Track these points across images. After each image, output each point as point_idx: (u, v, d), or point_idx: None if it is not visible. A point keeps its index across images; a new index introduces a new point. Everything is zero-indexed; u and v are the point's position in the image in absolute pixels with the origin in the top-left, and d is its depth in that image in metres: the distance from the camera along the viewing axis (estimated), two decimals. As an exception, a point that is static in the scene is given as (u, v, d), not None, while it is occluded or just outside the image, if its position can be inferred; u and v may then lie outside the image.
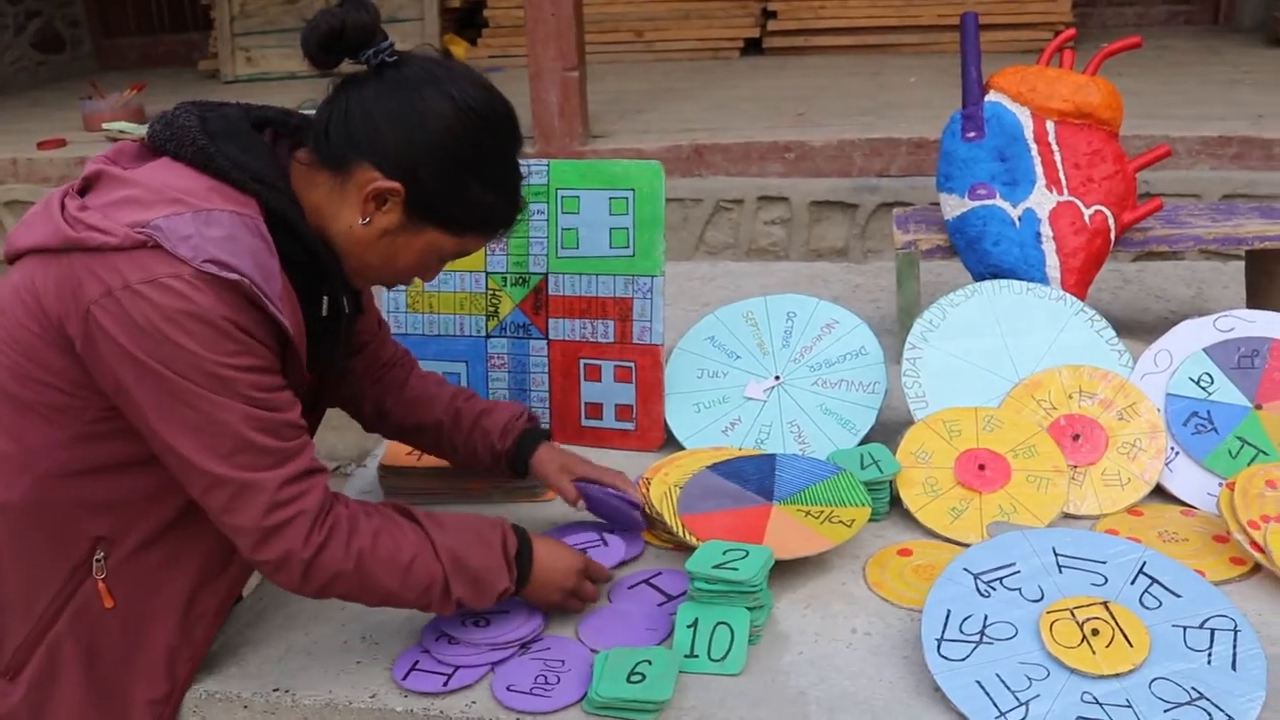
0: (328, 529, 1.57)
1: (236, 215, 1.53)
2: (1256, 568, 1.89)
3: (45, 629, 1.64)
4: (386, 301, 2.52)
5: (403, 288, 2.50)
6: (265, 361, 1.55)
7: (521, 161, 1.74)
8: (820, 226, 4.26)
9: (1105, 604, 1.69)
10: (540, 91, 4.39)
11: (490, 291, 2.46)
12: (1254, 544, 1.87)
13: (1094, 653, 1.62)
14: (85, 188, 1.58)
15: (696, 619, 1.75)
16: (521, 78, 4.44)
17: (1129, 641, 1.63)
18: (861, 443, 2.26)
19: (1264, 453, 2.09)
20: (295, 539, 1.54)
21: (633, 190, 2.37)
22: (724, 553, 1.79)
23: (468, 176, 1.61)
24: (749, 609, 1.75)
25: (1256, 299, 2.84)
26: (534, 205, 2.42)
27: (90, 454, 1.59)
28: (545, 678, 1.70)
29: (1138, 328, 2.86)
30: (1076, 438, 2.16)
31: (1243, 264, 2.93)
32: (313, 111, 1.66)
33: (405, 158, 1.58)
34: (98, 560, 1.63)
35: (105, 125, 5.33)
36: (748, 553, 1.79)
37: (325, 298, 1.72)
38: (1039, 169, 2.57)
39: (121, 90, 5.82)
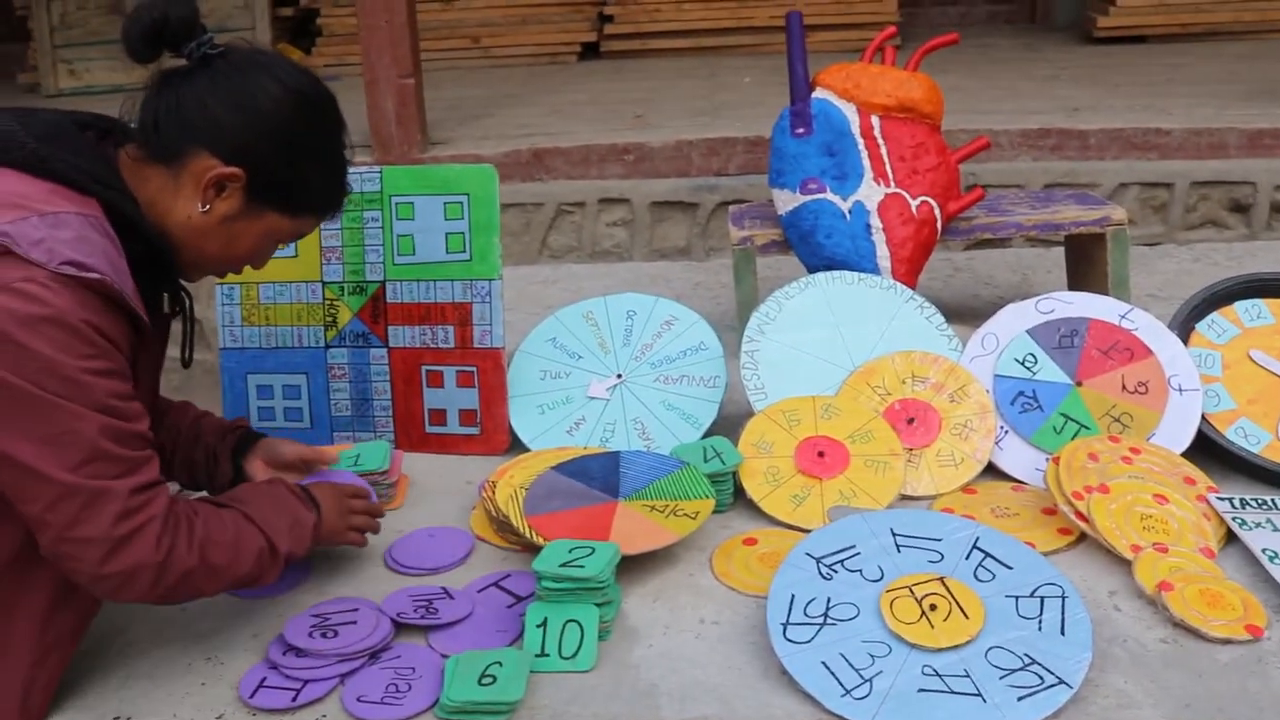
0: (172, 530, 1.54)
1: (82, 216, 1.51)
2: (1082, 536, 1.97)
3: None
4: (220, 315, 2.46)
5: (237, 300, 2.45)
6: (120, 367, 1.53)
7: (353, 169, 1.79)
8: (662, 226, 4.29)
9: (942, 580, 1.75)
10: (376, 99, 4.32)
11: (328, 301, 2.42)
12: (1078, 514, 1.95)
13: (933, 627, 1.67)
14: None
15: (546, 618, 1.75)
16: (357, 86, 4.37)
17: (965, 614, 1.69)
18: (704, 436, 2.29)
19: (1085, 427, 2.18)
20: (146, 547, 1.51)
21: (467, 195, 2.36)
22: (570, 551, 1.80)
23: (303, 158, 1.66)
24: (598, 605, 1.75)
25: (1076, 281, 2.97)
26: (368, 213, 2.39)
27: None
28: (396, 686, 1.68)
29: (968, 314, 2.95)
30: (911, 421, 2.22)
31: (1064, 249, 3.04)
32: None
33: (243, 142, 1.60)
34: None
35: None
36: (594, 549, 1.80)
37: (166, 295, 1.74)
38: (866, 162, 2.64)
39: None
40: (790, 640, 1.68)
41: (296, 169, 1.66)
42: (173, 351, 1.83)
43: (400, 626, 1.81)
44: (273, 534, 1.67)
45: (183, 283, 1.77)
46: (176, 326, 1.82)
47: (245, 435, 2.02)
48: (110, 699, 1.72)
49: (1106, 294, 2.72)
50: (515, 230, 4.34)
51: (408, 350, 2.41)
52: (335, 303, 2.42)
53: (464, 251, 2.37)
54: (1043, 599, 1.73)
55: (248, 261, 1.75)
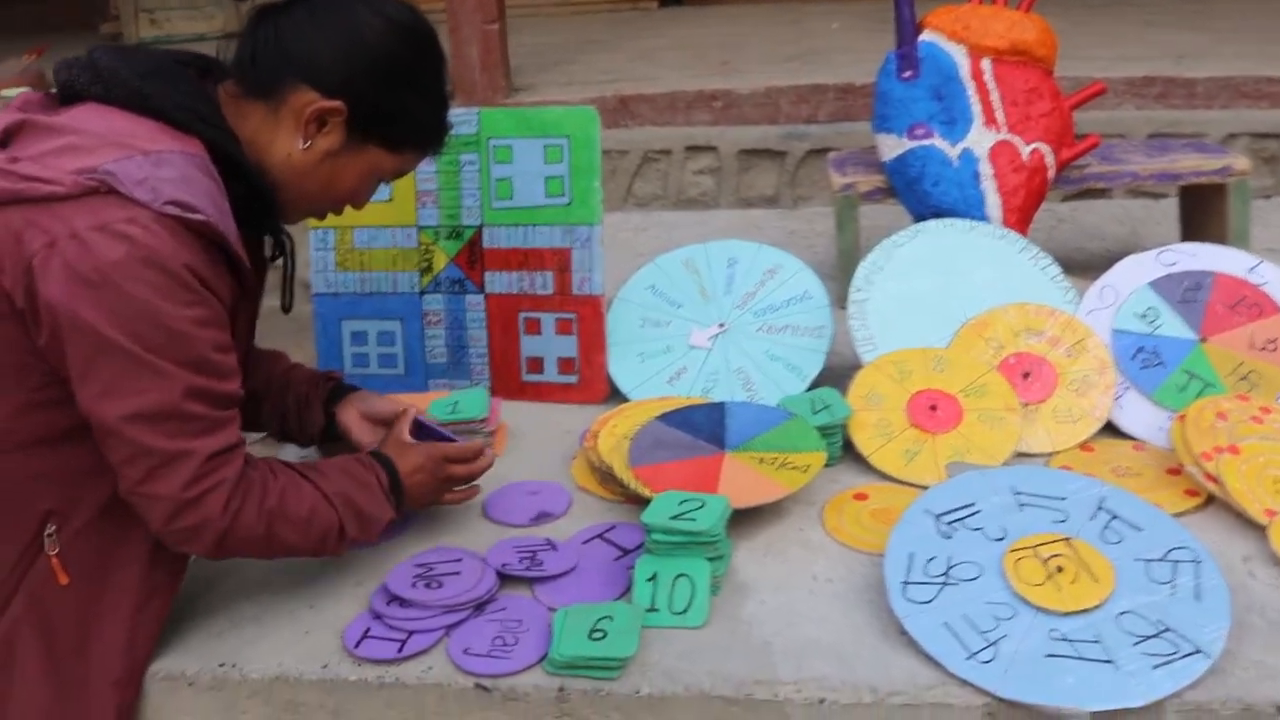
0: (242, 494, 1.52)
1: (186, 155, 1.48)
2: (1210, 499, 1.88)
3: None
4: (314, 260, 2.42)
5: (331, 245, 2.41)
6: (220, 316, 1.50)
7: (452, 109, 1.75)
8: (749, 175, 4.21)
9: (1068, 540, 1.67)
10: (460, 46, 4.27)
11: (423, 246, 2.38)
12: (1208, 475, 1.86)
13: (1059, 589, 1.60)
14: (3, 141, 1.48)
15: (656, 572, 1.70)
16: (441, 33, 4.33)
17: (1093, 577, 1.61)
18: (810, 388, 2.22)
19: (1211, 385, 2.09)
20: (214, 509, 1.49)
21: (567, 137, 2.30)
22: (680, 503, 1.75)
23: (405, 90, 1.61)
24: (709, 560, 1.70)
25: (1191, 234, 2.85)
26: (465, 156, 2.34)
27: (37, 424, 1.51)
28: (503, 639, 1.64)
29: (1075, 267, 2.83)
30: (1026, 375, 2.14)
31: (1173, 202, 2.93)
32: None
33: (344, 75, 1.56)
34: (49, 535, 1.55)
35: (2, 92, 5.09)
36: (704, 502, 1.75)
37: (268, 238, 1.70)
38: (976, 107, 2.54)
39: (17, 55, 5.57)
40: (910, 600, 1.62)
41: (398, 102, 1.62)
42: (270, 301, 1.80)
43: (505, 578, 1.77)
44: (346, 521, 1.64)
45: (283, 226, 1.74)
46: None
47: (339, 386, 1.98)
48: (215, 646, 1.70)
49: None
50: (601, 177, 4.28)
51: (505, 297, 2.36)
52: (431, 248, 2.37)
53: (563, 196, 2.31)
54: (1175, 563, 1.65)
55: (349, 200, 1.71)
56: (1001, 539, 1.70)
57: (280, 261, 1.76)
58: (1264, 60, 4.11)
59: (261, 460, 1.60)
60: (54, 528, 1.55)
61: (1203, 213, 2.76)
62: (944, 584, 1.64)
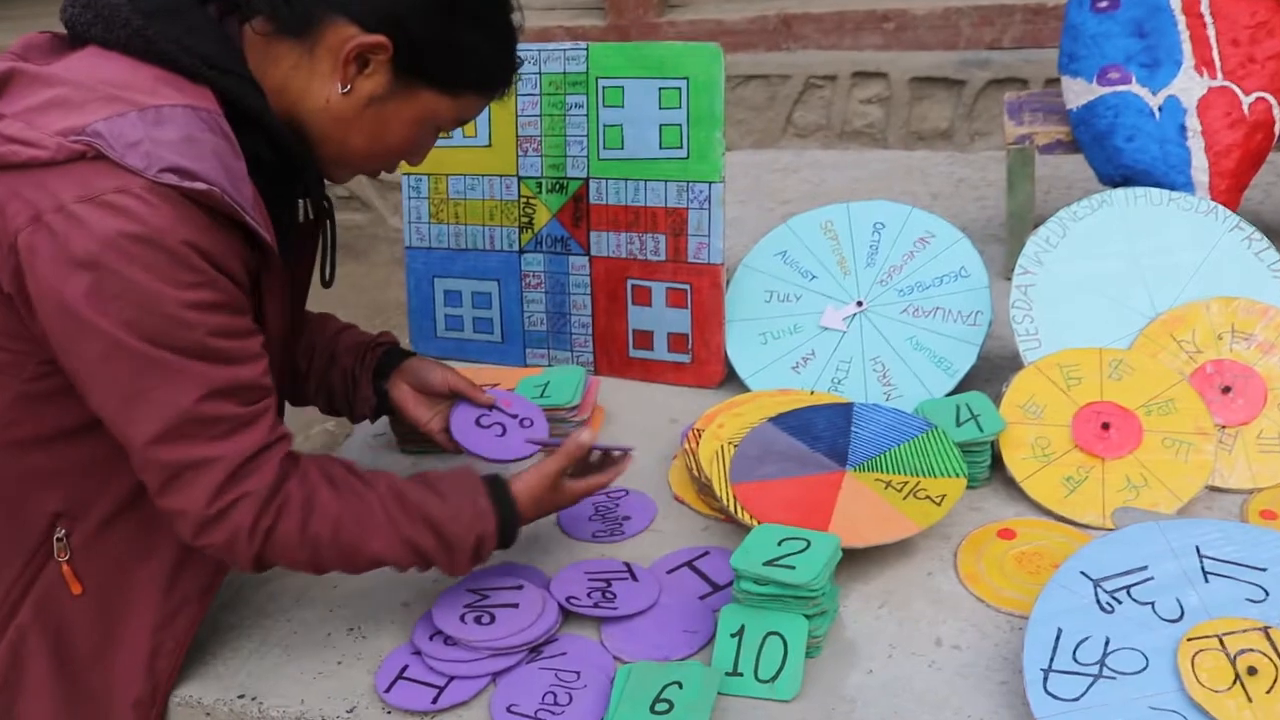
0: (275, 511, 1.30)
1: (191, 110, 1.26)
2: None
3: (4, 622, 1.40)
4: (407, 211, 2.18)
5: (424, 194, 2.16)
6: (232, 298, 1.28)
7: (555, 44, 1.65)
8: (922, 106, 3.81)
9: (1266, 630, 1.32)
10: (611, -44, 3.96)
11: (524, 199, 2.11)
12: None
13: (1250, 700, 1.25)
14: None
15: (743, 626, 1.42)
16: (591, -60, 4.03)
17: (1295, 684, 1.26)
18: (959, 387, 1.88)
19: None
20: (240, 526, 1.29)
21: (686, 79, 1.98)
22: (780, 543, 1.45)
23: (460, 22, 1.36)
24: (807, 616, 1.41)
25: None
26: (571, 97, 2.05)
27: (35, 418, 1.34)
28: (555, 695, 1.40)
29: (1296, 236, 2.41)
30: (1227, 390, 1.76)
31: None
32: None
33: (387, 6, 1.32)
34: (58, 540, 1.39)
35: None
36: (810, 543, 1.45)
37: (303, 201, 1.46)
38: (1187, 46, 2.11)
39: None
40: (1052, 695, 1.29)
41: (452, 35, 1.36)
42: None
43: (569, 613, 1.51)
44: (414, 565, 1.43)
45: (326, 186, 1.49)
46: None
47: (389, 354, 1.73)
48: (240, 670, 1.51)
49: None
50: (758, 105, 3.94)
51: (612, 261, 2.07)
52: (532, 201, 2.10)
53: (681, 148, 2.00)
54: None
55: (403, 155, 1.46)
56: (1178, 619, 1.35)
57: (324, 225, 1.53)
58: None
59: (324, 470, 1.37)
60: (63, 532, 1.39)
61: None
62: (1098, 676, 1.31)
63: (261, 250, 1.32)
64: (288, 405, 1.67)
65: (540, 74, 2.05)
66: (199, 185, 1.20)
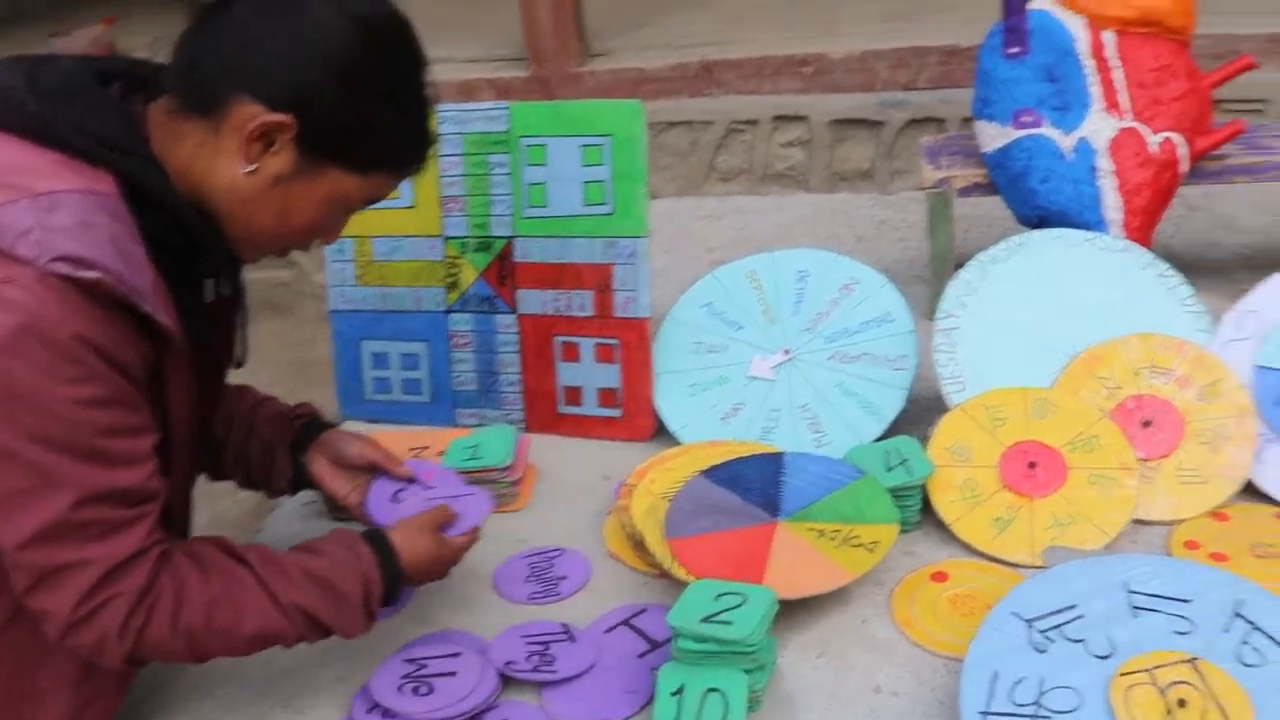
0: (147, 610, 1.26)
1: (88, 195, 1.22)
2: (1377, 591, 1.53)
3: None
4: (331, 275, 2.17)
5: (349, 256, 2.15)
6: (123, 393, 1.23)
7: (476, 105, 1.62)
8: (843, 147, 3.85)
9: (1193, 662, 1.34)
10: (531, 8, 3.96)
11: (449, 259, 2.10)
12: (1375, 565, 1.51)
13: (1182, 733, 1.27)
14: None
15: (683, 684, 1.41)
16: (511, -8, 4.04)
17: (1226, 716, 1.28)
18: (887, 431, 1.90)
19: (1378, 439, 1.72)
20: (109, 628, 1.24)
21: (609, 136, 1.99)
22: (716, 598, 1.45)
23: (368, 100, 1.32)
24: (747, 671, 1.41)
25: (1349, 231, 2.45)
26: (494, 157, 2.05)
27: None
28: (497, 763, 1.38)
29: (1208, 268, 2.47)
30: (1147, 424, 1.79)
31: (1327, 186, 2.50)
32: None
33: (293, 83, 1.28)
34: None
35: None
36: (746, 598, 1.45)
37: (210, 280, 1.42)
38: (1096, 90, 2.17)
39: (93, 24, 5.40)
40: (991, 738, 1.31)
41: (360, 114, 1.32)
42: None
43: (509, 678, 1.50)
44: (307, 633, 1.38)
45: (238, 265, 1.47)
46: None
47: (308, 426, 1.71)
48: (168, 753, 1.47)
49: (1392, 250, 2.21)
50: (681, 150, 3.96)
51: (539, 318, 2.07)
52: (458, 260, 2.10)
53: (605, 204, 2.01)
54: (1333, 697, 1.31)
55: (313, 234, 1.41)
56: (1109, 656, 1.37)
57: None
58: None
59: (192, 556, 1.32)
60: None
61: (1365, 207, 2.36)
62: (1035, 716, 1.32)
63: (163, 335, 1.28)
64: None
65: (463, 134, 2.05)
66: (91, 274, 1.16)
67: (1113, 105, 2.16)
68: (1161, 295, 1.92)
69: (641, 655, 1.54)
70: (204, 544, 1.36)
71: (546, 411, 2.10)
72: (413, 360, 2.15)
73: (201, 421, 1.49)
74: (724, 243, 2.95)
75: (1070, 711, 1.32)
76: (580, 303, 2.04)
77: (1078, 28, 2.20)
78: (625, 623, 1.60)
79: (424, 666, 1.51)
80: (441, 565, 1.54)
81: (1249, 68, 2.26)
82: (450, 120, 2.04)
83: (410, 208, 2.10)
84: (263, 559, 1.37)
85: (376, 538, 1.46)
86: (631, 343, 2.03)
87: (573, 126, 2.01)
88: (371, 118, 1.33)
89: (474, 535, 1.58)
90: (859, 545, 1.61)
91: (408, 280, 2.12)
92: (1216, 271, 2.48)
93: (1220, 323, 1.89)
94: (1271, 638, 1.37)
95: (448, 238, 2.10)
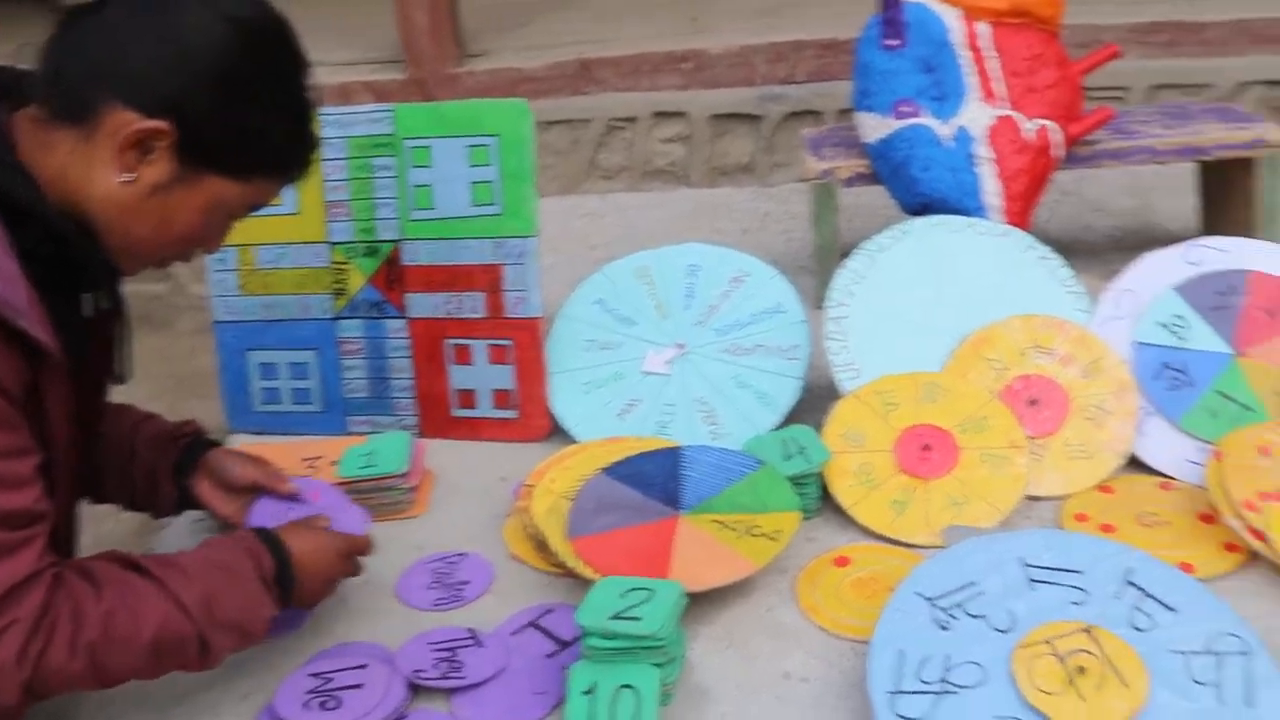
0: (45, 634, 1.19)
1: None
2: (1253, 554, 1.59)
3: None
4: (213, 284, 2.11)
5: (232, 266, 2.10)
6: (0, 414, 1.17)
7: (358, 108, 1.61)
8: (722, 142, 3.89)
9: (1089, 630, 1.38)
10: (406, 9, 3.92)
11: (335, 265, 2.07)
12: (1252, 530, 1.57)
13: (1082, 700, 1.30)
14: None
15: (594, 683, 1.40)
16: (386, -6, 3.99)
17: (1122, 680, 1.32)
18: (783, 421, 1.92)
19: (1249, 409, 1.79)
20: (6, 654, 1.17)
21: (496, 136, 1.97)
22: (623, 594, 1.45)
23: (247, 104, 1.30)
24: (657, 665, 1.41)
25: (1212, 211, 2.54)
26: (378, 160, 2.02)
27: None
28: (410, 773, 1.36)
29: (1082, 250, 2.54)
30: (1034, 403, 1.84)
31: (1187, 166, 2.59)
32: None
33: (168, 89, 1.25)
34: None
35: None
36: (653, 592, 1.45)
37: (88, 294, 1.37)
38: (972, 79, 2.22)
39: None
40: (901, 716, 1.32)
41: (238, 120, 1.29)
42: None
43: (418, 687, 1.48)
44: (210, 634, 1.32)
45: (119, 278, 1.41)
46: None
47: (191, 445, 1.67)
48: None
49: (1251, 228, 2.30)
50: (562, 149, 3.96)
51: (430, 321, 2.05)
52: (344, 266, 2.06)
53: (493, 204, 1.99)
54: (1220, 656, 1.36)
55: (194, 243, 1.38)
56: (1009, 629, 1.40)
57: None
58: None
59: (83, 572, 1.26)
60: None
61: (1224, 187, 2.45)
62: (942, 692, 1.34)
63: (40, 352, 1.23)
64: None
65: (346, 138, 2.02)
66: None
67: (989, 94, 2.21)
68: (1042, 277, 1.98)
69: (550, 655, 1.53)
70: (95, 560, 1.31)
71: (440, 416, 2.08)
72: (301, 369, 2.10)
73: (83, 441, 1.44)
74: (608, 240, 2.95)
75: (976, 686, 1.35)
76: (471, 304, 2.02)
77: (953, 19, 2.25)
78: (532, 624, 1.59)
79: (330, 680, 1.47)
80: (331, 555, 1.51)
81: (1114, 56, 2.34)
82: (333, 124, 2.01)
83: (294, 214, 2.05)
84: (157, 561, 1.32)
85: (257, 530, 1.45)
86: (524, 343, 2.02)
87: (458, 127, 1.99)
88: (251, 122, 1.31)
89: (367, 541, 1.56)
90: (761, 535, 1.62)
91: (293, 288, 2.08)
92: (1090, 253, 2.56)
93: (1098, 302, 1.95)
94: (1160, 602, 1.41)
95: (333, 243, 2.06)
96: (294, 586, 1.44)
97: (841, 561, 1.66)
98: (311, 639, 1.59)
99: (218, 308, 2.11)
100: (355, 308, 2.07)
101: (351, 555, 1.54)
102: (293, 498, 1.66)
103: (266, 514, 1.64)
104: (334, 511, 1.65)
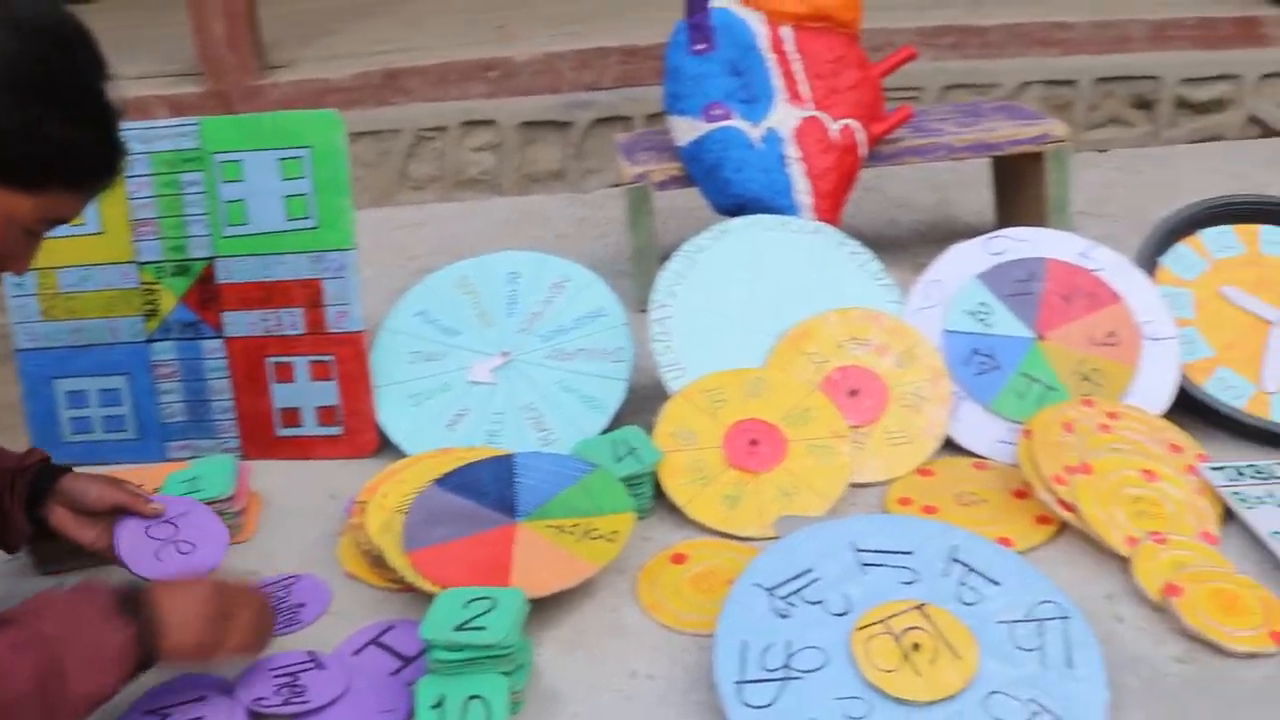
0: None
1: None
2: (1064, 524, 1.68)
3: None
4: (13, 311, 2.01)
5: (31, 290, 2.00)
6: None
7: (165, 121, 1.57)
8: (533, 149, 3.89)
9: (921, 607, 1.44)
10: (203, 19, 3.79)
11: (145, 286, 1.99)
12: (1062, 503, 1.66)
13: (918, 674, 1.36)
14: None
15: (442, 696, 1.39)
16: (181, 6, 3.85)
17: (955, 653, 1.38)
18: (612, 424, 1.94)
19: (1052, 389, 1.89)
20: None
21: (308, 148, 1.94)
22: (466, 604, 1.44)
23: (37, 111, 1.22)
24: (506, 674, 1.41)
25: (1006, 203, 2.67)
26: (186, 176, 1.96)
27: None
28: (253, 803, 1.32)
29: (887, 244, 2.64)
30: (854, 393, 1.90)
31: (984, 163, 2.73)
32: None
33: None
34: None
35: None
36: (495, 601, 1.45)
37: None
38: (778, 82, 2.28)
39: None
40: (749, 705, 1.35)
41: (29, 126, 1.22)
42: None
43: (260, 715, 1.44)
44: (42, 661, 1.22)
45: None
46: None
47: (41, 474, 1.59)
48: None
49: (1042, 218, 2.44)
50: (371, 161, 3.90)
51: (248, 340, 1.99)
52: (154, 287, 1.99)
53: (308, 218, 1.95)
54: (1041, 623, 1.44)
55: None
56: (846, 613, 1.45)
57: None
58: (1054, 6, 3.99)
59: None
60: None
61: (1015, 180, 2.58)
62: (786, 679, 1.38)
63: None
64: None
65: (150, 154, 1.95)
66: None
67: (795, 96, 2.28)
68: (854, 271, 2.05)
69: (395, 673, 1.51)
70: None
71: (263, 436, 2.02)
72: (113, 396, 2.02)
73: None
74: (426, 250, 2.92)
75: (818, 669, 1.39)
76: (291, 321, 1.98)
77: (757, 24, 2.31)
78: (373, 642, 1.56)
79: (168, 715, 1.42)
80: (204, 634, 1.37)
81: (911, 58, 2.44)
82: (135, 139, 1.93)
83: (98, 234, 1.97)
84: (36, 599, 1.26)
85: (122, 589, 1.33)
86: (347, 357, 1.98)
87: (269, 140, 1.94)
88: (42, 130, 1.23)
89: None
90: (599, 537, 1.63)
91: (101, 311, 1.99)
92: (898, 247, 2.66)
93: (909, 293, 2.03)
94: (985, 576, 1.48)
95: (141, 263, 1.99)
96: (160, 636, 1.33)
97: (679, 559, 1.68)
98: (149, 673, 1.53)
99: (19, 335, 2.01)
100: (168, 329, 2.00)
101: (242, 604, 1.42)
102: (156, 517, 1.60)
103: (133, 534, 1.59)
104: (200, 524, 1.63)
